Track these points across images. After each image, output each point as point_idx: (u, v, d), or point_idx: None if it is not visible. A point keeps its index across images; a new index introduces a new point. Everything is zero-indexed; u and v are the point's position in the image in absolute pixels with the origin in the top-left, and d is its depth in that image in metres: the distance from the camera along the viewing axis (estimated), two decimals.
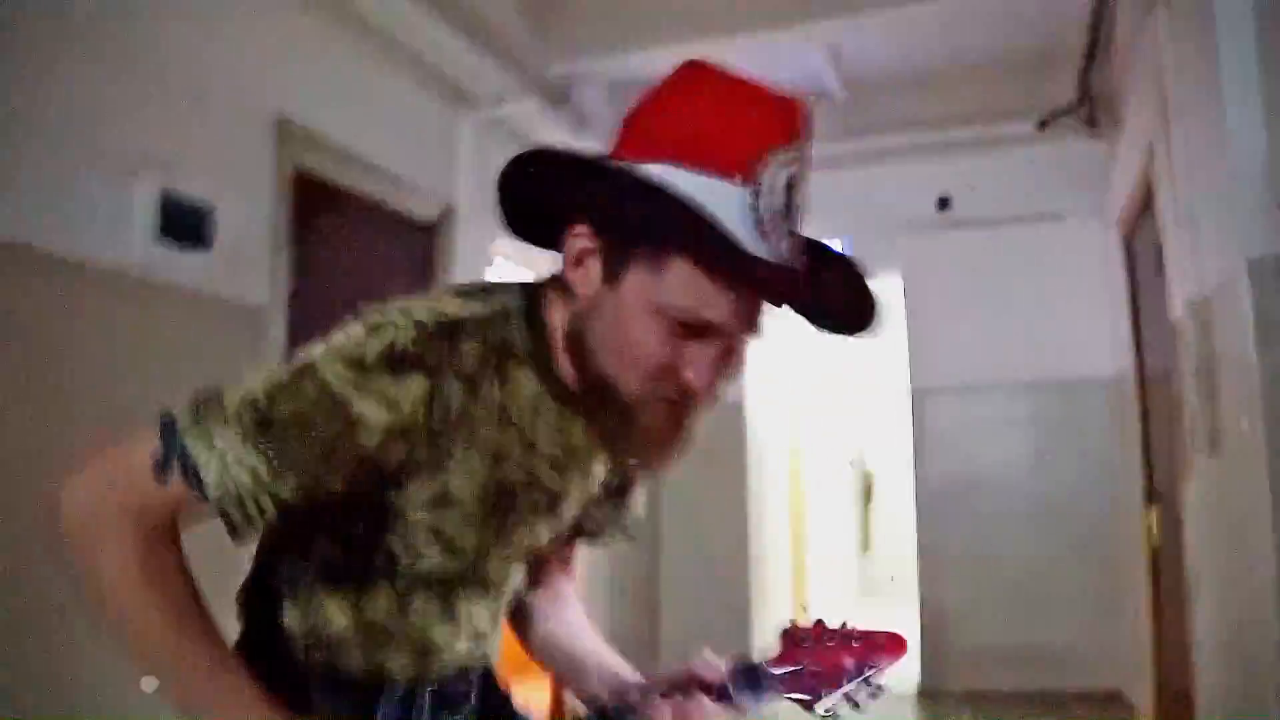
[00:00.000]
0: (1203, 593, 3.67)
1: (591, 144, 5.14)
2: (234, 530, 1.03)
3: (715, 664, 1.15)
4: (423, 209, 3.85)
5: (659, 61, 1.20)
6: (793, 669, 1.13)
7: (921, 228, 6.23)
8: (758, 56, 4.48)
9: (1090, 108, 5.44)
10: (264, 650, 1.16)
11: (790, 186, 1.02)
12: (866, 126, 6.11)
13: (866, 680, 1.14)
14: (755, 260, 1.00)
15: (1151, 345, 4.55)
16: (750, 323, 1.05)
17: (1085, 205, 5.79)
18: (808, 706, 1.14)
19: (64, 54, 2.39)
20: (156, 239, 2.53)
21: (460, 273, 4.02)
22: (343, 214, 3.45)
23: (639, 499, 1.37)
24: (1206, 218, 3.15)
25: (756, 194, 0.99)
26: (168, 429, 1.02)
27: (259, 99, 3.04)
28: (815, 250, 1.10)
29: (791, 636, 1.15)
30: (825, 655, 1.14)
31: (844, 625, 1.16)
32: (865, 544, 10.43)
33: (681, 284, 1.00)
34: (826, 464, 8.85)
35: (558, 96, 4.95)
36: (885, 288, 6.39)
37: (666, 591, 6.21)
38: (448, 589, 1.18)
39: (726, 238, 0.98)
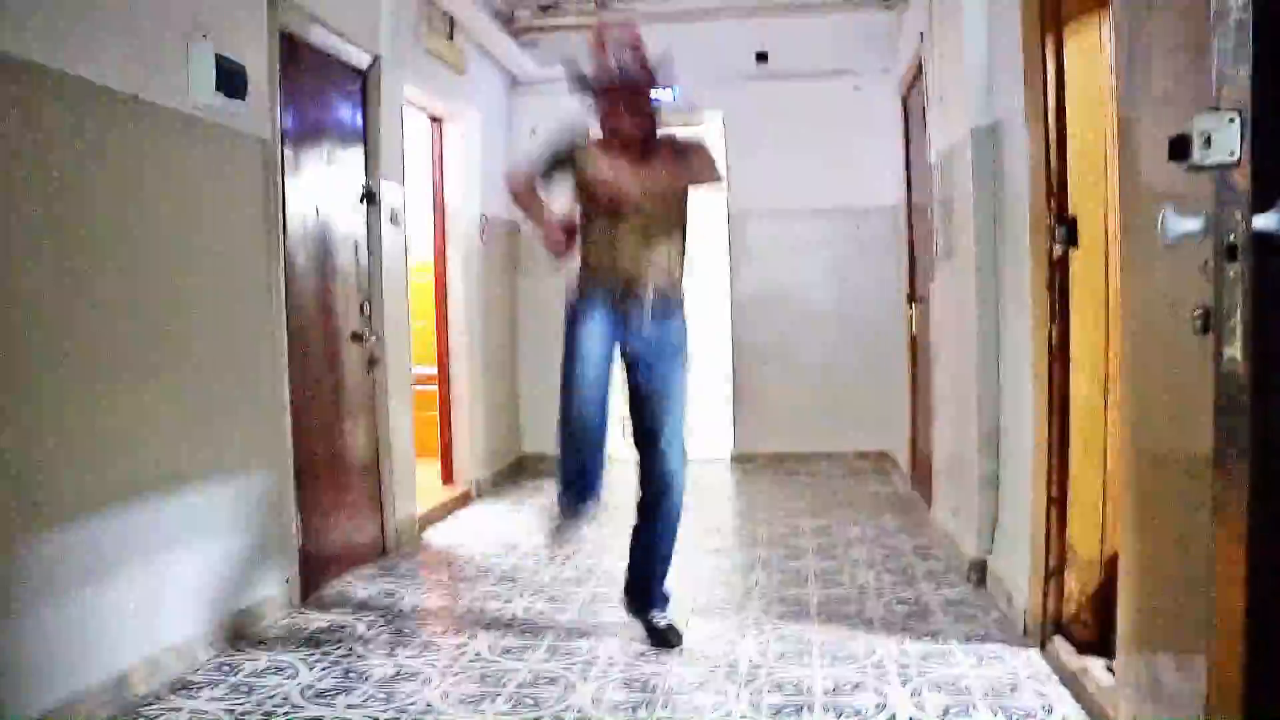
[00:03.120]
0: (938, 365, 5.02)
1: None
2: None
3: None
4: (359, 58, 4.67)
5: None
6: None
7: (742, 77, 7.17)
8: None
9: None
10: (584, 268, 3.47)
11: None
12: None
13: None
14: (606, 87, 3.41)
15: (917, 182, 5.69)
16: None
17: (878, 66, 6.81)
18: None
19: None
20: (214, 91, 3.37)
21: (384, 107, 4.89)
22: (307, 64, 4.28)
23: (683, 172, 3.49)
24: (950, 95, 4.37)
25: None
26: (534, 160, 3.51)
27: None
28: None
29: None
30: None
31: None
32: None
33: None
34: None
35: None
36: (711, 125, 7.51)
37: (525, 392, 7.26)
38: (613, 239, 3.37)
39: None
